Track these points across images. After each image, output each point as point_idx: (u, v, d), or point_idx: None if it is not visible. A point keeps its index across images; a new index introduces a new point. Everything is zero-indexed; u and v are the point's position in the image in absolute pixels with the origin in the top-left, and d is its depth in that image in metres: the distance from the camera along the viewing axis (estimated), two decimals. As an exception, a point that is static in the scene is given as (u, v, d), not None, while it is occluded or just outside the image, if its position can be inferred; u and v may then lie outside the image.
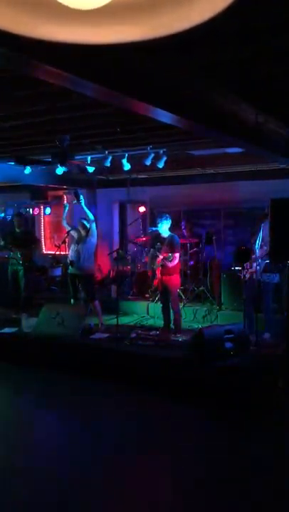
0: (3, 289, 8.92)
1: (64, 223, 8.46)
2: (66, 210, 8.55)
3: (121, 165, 7.99)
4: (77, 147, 7.36)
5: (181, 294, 8.83)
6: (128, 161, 7.95)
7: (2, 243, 8.87)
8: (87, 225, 7.87)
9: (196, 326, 7.68)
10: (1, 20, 0.87)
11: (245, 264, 7.29)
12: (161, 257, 7.37)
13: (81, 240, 7.91)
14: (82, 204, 7.99)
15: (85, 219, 7.91)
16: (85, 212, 7.96)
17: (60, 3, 0.83)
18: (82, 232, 7.92)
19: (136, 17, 0.88)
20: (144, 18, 0.88)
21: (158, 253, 7.47)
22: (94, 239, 8.00)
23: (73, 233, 8.12)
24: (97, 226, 8.15)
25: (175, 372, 6.11)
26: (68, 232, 8.25)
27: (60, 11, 0.85)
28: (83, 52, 2.59)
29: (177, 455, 4.60)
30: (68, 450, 4.75)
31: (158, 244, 7.52)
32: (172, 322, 7.58)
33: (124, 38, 0.93)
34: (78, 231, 8.00)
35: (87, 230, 7.88)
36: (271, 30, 3.39)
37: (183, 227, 10.13)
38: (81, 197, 8.00)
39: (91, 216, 7.99)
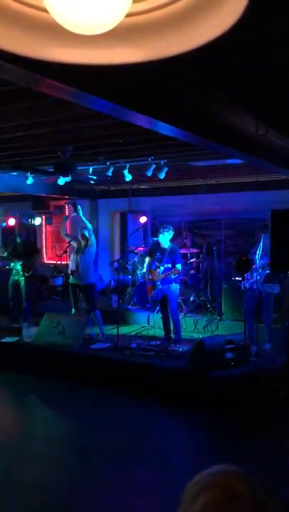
0: (4, 299, 8.93)
1: (63, 234, 8.52)
2: (64, 222, 8.68)
3: (122, 175, 8.04)
4: (79, 158, 7.41)
5: (182, 303, 8.83)
6: (129, 172, 7.99)
7: (5, 254, 8.91)
8: (87, 235, 7.92)
9: (197, 336, 7.68)
10: (9, 42, 0.91)
11: (245, 275, 7.31)
12: (162, 267, 7.39)
13: (80, 250, 7.95)
14: (80, 214, 8.03)
15: (85, 229, 7.96)
16: (84, 223, 8.01)
17: (65, 28, 0.87)
18: (82, 243, 7.96)
19: (138, 40, 0.92)
20: (146, 42, 0.91)
21: (158, 263, 7.49)
22: (93, 248, 8.04)
23: (73, 243, 8.17)
24: (98, 236, 8.20)
25: (175, 382, 6.11)
26: (69, 243, 8.29)
27: (65, 35, 0.89)
28: (87, 67, 2.63)
29: (176, 465, 4.59)
30: (68, 456, 4.75)
31: (158, 254, 7.55)
32: (172, 332, 7.59)
33: (126, 60, 0.96)
34: (78, 241, 8.04)
35: (87, 240, 7.92)
36: (272, 42, 3.43)
37: (185, 237, 10.16)
38: (79, 207, 8.05)
39: (89, 226, 8.04)
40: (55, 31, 0.89)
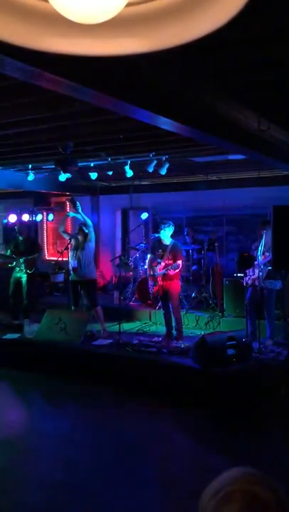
0: (6, 296, 8.94)
1: (61, 231, 8.45)
2: (65, 220, 8.61)
3: (124, 172, 8.02)
4: (80, 154, 7.39)
5: (184, 300, 8.82)
6: (131, 168, 7.97)
7: (8, 252, 8.91)
8: (86, 231, 7.89)
9: (199, 333, 7.67)
10: (8, 32, 0.89)
11: (247, 271, 7.29)
12: (163, 264, 7.38)
13: (80, 247, 7.92)
14: (79, 211, 8.00)
15: (84, 225, 7.93)
16: (83, 219, 7.98)
17: (65, 17, 0.85)
18: (80, 239, 7.94)
19: (139, 30, 0.90)
20: (147, 32, 0.89)
21: (159, 260, 7.47)
22: (92, 244, 8.01)
23: (73, 241, 8.13)
24: (99, 232, 8.16)
25: (177, 378, 6.10)
26: (70, 240, 8.26)
27: (65, 24, 0.87)
28: (86, 61, 2.61)
29: (176, 461, 4.59)
30: (69, 453, 4.74)
31: (159, 250, 7.52)
32: (174, 328, 7.58)
33: (127, 50, 0.94)
34: (76, 238, 8.02)
35: (86, 236, 7.89)
36: (274, 37, 3.42)
37: (186, 234, 10.15)
38: (77, 204, 8.02)
39: (89, 222, 8.00)
40: (55, 20, 0.87)
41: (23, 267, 8.66)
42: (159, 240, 7.69)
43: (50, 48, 0.94)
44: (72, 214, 8.38)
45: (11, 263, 8.80)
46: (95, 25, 0.86)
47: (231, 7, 0.82)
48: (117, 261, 8.55)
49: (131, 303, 9.64)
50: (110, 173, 7.91)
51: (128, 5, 0.85)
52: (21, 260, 8.64)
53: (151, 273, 7.71)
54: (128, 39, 0.91)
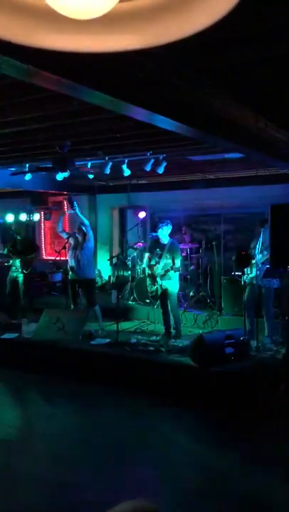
0: (3, 295, 8.93)
1: (59, 231, 8.43)
2: (61, 219, 8.57)
3: (121, 170, 8.00)
4: (77, 153, 7.37)
5: (182, 298, 8.81)
6: (128, 167, 7.95)
7: (5, 251, 8.91)
8: (84, 230, 7.89)
9: (197, 331, 7.67)
10: (3, 29, 0.88)
11: (245, 269, 7.28)
12: (162, 263, 7.38)
13: (78, 246, 7.92)
14: (77, 210, 7.99)
15: (82, 224, 7.93)
16: (81, 219, 7.97)
17: (59, 13, 0.84)
18: (80, 238, 7.94)
19: (134, 26, 0.89)
20: (143, 27, 0.88)
21: (158, 259, 7.46)
22: (91, 243, 8.01)
23: (71, 240, 8.13)
24: (97, 232, 8.15)
25: (175, 377, 6.10)
26: (68, 239, 8.25)
27: (59, 20, 0.86)
28: (82, 59, 2.60)
29: (176, 461, 4.59)
30: (68, 453, 4.74)
31: (157, 250, 7.52)
32: (172, 327, 7.57)
33: (123, 46, 0.93)
34: (75, 237, 8.01)
35: (84, 235, 7.89)
36: (271, 35, 3.40)
37: (184, 233, 10.14)
38: (75, 203, 8.00)
39: (86, 222, 8.01)
40: (49, 16, 0.86)
41: (19, 266, 8.66)
42: (157, 239, 7.69)
43: (44, 45, 0.93)
44: (63, 215, 8.34)
45: (8, 262, 8.80)
46: (89, 20, 0.85)
47: (227, 1, 0.81)
48: (115, 260, 8.54)
49: (129, 302, 9.62)
50: (108, 170, 7.88)
51: (122, 0, 0.84)
52: (18, 260, 8.63)
53: (150, 272, 7.71)
54: (123, 35, 0.90)
